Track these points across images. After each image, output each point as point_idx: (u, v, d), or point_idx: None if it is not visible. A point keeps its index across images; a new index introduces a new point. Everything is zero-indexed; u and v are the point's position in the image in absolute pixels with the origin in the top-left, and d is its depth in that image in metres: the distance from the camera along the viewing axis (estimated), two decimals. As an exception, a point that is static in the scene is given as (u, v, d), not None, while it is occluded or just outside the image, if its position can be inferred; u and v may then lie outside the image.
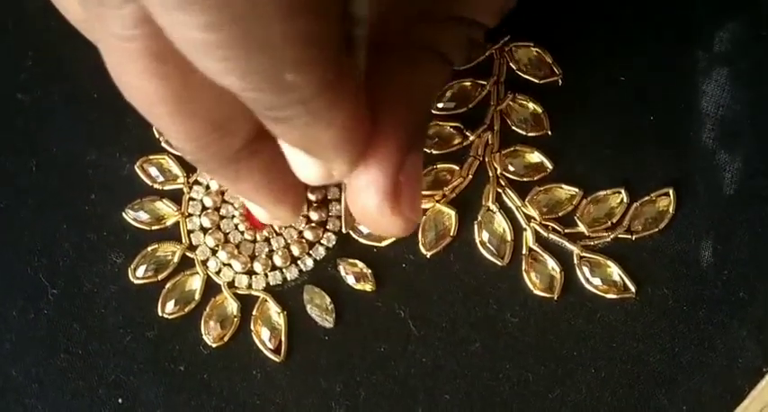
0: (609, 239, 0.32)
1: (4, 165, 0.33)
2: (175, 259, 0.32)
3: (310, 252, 0.32)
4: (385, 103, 0.23)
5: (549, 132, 0.33)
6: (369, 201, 0.23)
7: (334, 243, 0.32)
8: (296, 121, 0.18)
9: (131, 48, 0.19)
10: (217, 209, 0.32)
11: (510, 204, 0.32)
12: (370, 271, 0.31)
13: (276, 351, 0.31)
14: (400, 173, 0.23)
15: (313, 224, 0.32)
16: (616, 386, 0.30)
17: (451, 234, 0.32)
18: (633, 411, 0.30)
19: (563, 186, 0.32)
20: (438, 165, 0.32)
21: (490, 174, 0.32)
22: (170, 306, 0.31)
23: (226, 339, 0.31)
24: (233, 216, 0.32)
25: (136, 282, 0.31)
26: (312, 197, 0.32)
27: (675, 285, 0.31)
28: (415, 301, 0.31)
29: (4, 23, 0.34)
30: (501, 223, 0.32)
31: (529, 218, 0.32)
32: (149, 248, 0.32)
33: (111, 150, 0.33)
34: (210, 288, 0.31)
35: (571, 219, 0.32)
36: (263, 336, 0.31)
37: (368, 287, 0.31)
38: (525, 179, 0.32)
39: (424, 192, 0.32)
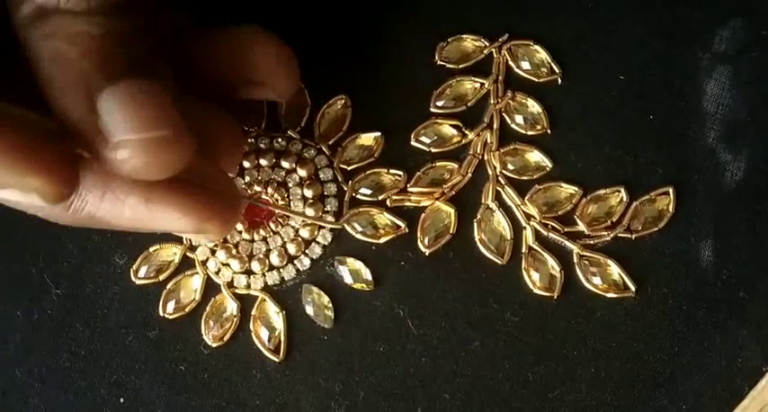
0: (609, 238, 0.32)
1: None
2: (176, 260, 0.32)
3: (306, 251, 0.32)
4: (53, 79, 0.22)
5: (549, 131, 0.33)
6: (101, 156, 0.22)
7: (329, 240, 0.32)
8: None
9: None
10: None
11: (509, 203, 0.32)
12: (368, 270, 0.31)
13: (275, 351, 0.31)
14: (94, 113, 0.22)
15: (308, 221, 0.32)
16: (616, 386, 0.30)
17: (451, 232, 0.32)
18: (633, 411, 0.30)
19: (563, 185, 0.32)
20: (437, 163, 0.32)
21: (489, 173, 0.32)
22: (171, 306, 0.31)
23: (226, 339, 0.31)
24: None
25: (138, 282, 0.32)
26: (309, 193, 0.32)
27: (675, 285, 0.31)
28: (413, 300, 0.31)
29: None
30: (500, 221, 0.32)
31: (528, 216, 0.32)
32: (151, 249, 0.32)
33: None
34: (211, 288, 0.32)
35: (571, 217, 0.32)
36: (262, 336, 0.31)
37: (366, 286, 0.31)
38: (525, 177, 0.32)
39: (423, 190, 0.32)
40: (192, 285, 0.31)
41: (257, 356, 0.31)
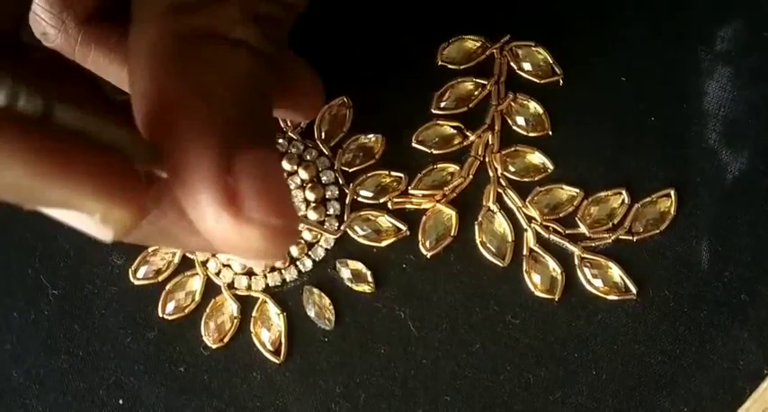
0: (610, 240, 0.32)
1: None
2: (176, 260, 0.32)
3: (309, 253, 0.32)
4: (179, 105, 0.20)
5: (550, 132, 0.33)
6: (207, 218, 0.19)
7: (332, 244, 0.32)
8: None
9: None
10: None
11: (511, 205, 0.32)
12: (369, 272, 0.31)
13: (276, 352, 0.31)
14: (229, 174, 0.19)
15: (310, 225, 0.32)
16: (617, 388, 0.30)
17: (452, 234, 0.32)
18: (634, 413, 0.30)
19: (564, 187, 0.32)
20: (438, 165, 0.32)
21: (491, 175, 0.32)
22: (170, 307, 0.31)
23: (226, 340, 0.31)
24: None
25: (136, 283, 0.31)
26: (311, 197, 0.32)
27: (676, 287, 0.31)
28: (415, 302, 0.31)
29: None
30: (502, 224, 0.32)
31: (530, 218, 0.32)
32: (150, 250, 0.32)
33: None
34: (211, 289, 0.31)
35: (572, 219, 0.32)
36: (262, 338, 0.31)
37: (367, 288, 0.31)
38: (526, 179, 0.32)
39: (424, 192, 0.32)
40: (192, 286, 0.31)
41: (258, 358, 0.31)
